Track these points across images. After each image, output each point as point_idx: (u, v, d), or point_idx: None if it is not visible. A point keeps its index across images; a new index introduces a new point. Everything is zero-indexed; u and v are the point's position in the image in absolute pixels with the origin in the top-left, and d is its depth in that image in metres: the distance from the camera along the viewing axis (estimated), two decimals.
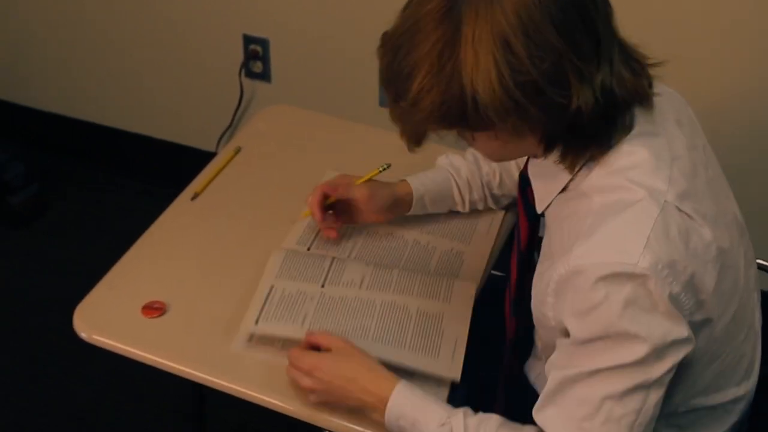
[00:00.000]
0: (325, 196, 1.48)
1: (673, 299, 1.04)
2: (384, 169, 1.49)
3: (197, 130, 2.69)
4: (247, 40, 2.47)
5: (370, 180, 1.49)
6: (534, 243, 1.29)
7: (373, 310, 1.36)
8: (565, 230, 1.14)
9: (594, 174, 1.11)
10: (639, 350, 1.03)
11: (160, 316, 1.38)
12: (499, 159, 1.22)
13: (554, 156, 1.11)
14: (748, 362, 1.24)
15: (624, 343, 1.04)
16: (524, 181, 1.24)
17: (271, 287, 1.39)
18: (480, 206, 1.56)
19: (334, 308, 1.36)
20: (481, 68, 0.99)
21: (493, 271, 1.52)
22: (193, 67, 2.60)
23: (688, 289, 1.05)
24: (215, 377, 1.31)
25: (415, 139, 1.10)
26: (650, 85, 1.13)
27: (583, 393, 1.07)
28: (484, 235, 1.54)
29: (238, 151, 1.73)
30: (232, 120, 2.59)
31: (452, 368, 1.29)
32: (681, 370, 1.11)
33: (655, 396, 1.07)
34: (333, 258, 1.46)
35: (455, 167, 1.52)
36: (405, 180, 1.51)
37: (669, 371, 1.06)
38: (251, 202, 1.61)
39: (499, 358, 1.40)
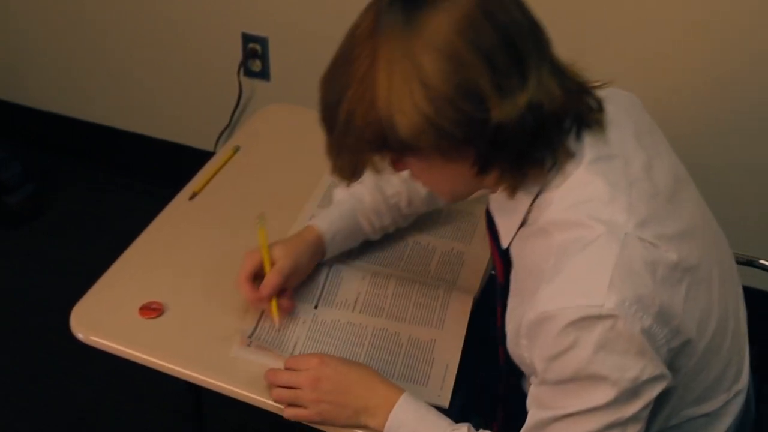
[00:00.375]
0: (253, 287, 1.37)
1: (646, 333, 1.03)
2: (262, 225, 1.42)
3: (195, 130, 2.70)
4: (246, 38, 2.47)
5: (281, 246, 1.39)
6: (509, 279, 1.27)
7: (364, 337, 1.36)
8: (528, 268, 1.14)
9: (552, 207, 1.09)
10: (610, 392, 1.03)
11: (157, 317, 1.38)
12: (445, 192, 1.19)
13: (492, 180, 1.10)
14: (735, 367, 1.24)
15: (596, 386, 1.04)
16: (489, 218, 1.23)
17: (262, 310, 1.39)
18: (391, 229, 1.52)
19: (325, 333, 1.37)
20: (394, 89, 1.01)
21: (493, 272, 1.52)
22: (191, 65, 2.60)
23: (659, 320, 1.04)
24: (213, 378, 1.31)
25: (350, 170, 1.11)
26: (600, 107, 1.12)
27: None
28: (485, 235, 1.54)
29: (236, 150, 1.73)
30: (231, 119, 2.59)
31: (441, 395, 1.29)
32: (667, 390, 1.11)
33: (633, 430, 1.07)
34: (330, 266, 1.46)
35: (358, 197, 1.47)
36: (311, 225, 1.44)
37: (645, 407, 1.06)
38: (250, 202, 1.61)
39: (497, 359, 1.41)
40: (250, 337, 1.34)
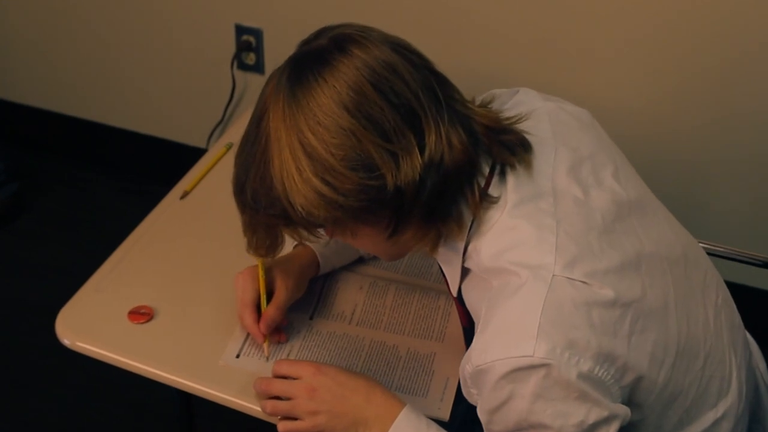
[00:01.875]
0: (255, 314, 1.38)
1: (586, 378, 1.03)
2: (262, 267, 1.40)
3: (187, 126, 2.69)
4: (240, 30, 2.47)
5: (278, 272, 1.38)
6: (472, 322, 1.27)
7: (361, 350, 1.36)
8: (474, 313, 1.16)
9: (482, 255, 1.10)
10: None
11: (147, 322, 1.38)
12: (378, 254, 1.22)
13: (409, 242, 1.12)
14: (719, 382, 1.21)
15: None
16: (440, 266, 1.23)
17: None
18: None
19: (320, 344, 1.37)
20: (285, 167, 1.05)
21: None
22: (182, 58, 2.60)
23: (600, 361, 1.04)
24: (204, 386, 1.31)
25: (265, 248, 1.17)
26: (523, 143, 1.12)
27: None
28: None
29: (229, 147, 1.73)
30: (224, 115, 2.59)
31: (441, 408, 1.29)
32: (636, 423, 1.11)
33: None
34: (327, 275, 1.46)
35: None
36: (308, 248, 1.44)
37: None
38: None
39: None
40: (238, 353, 1.34)
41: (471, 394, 1.12)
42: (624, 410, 1.07)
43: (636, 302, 1.09)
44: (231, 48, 2.50)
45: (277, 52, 2.45)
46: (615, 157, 1.22)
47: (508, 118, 1.14)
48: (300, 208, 1.06)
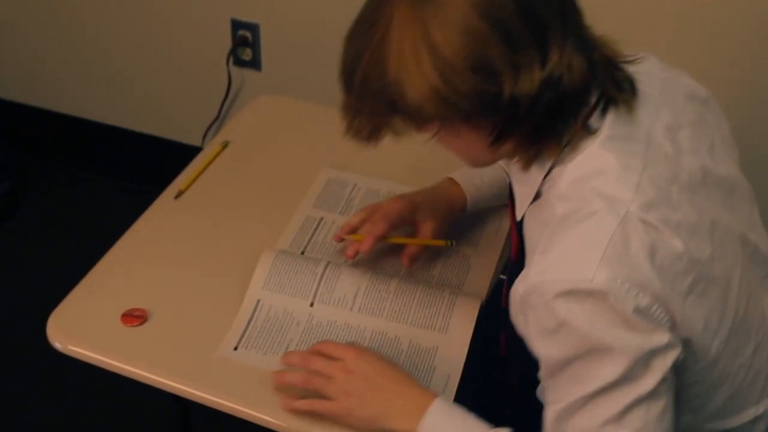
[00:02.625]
0: (387, 230, 1.46)
1: (641, 313, 1.04)
2: (451, 245, 1.47)
3: (181, 123, 2.69)
4: (236, 24, 2.47)
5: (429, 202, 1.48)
6: (524, 254, 1.29)
7: (362, 340, 1.36)
8: (530, 240, 1.17)
9: (560, 181, 1.12)
10: (619, 364, 1.04)
11: (141, 324, 1.38)
12: (466, 159, 1.23)
13: (507, 151, 1.13)
14: (764, 379, 1.23)
15: (601, 360, 1.05)
16: (511, 189, 1.26)
17: (258, 302, 1.40)
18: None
19: (320, 335, 1.37)
20: (404, 57, 1.05)
21: (503, 276, 1.52)
22: (176, 54, 2.59)
23: (657, 303, 1.05)
24: (200, 391, 1.31)
25: (366, 134, 1.16)
26: (631, 86, 1.14)
27: (581, 424, 1.09)
28: (493, 237, 1.54)
29: (225, 145, 1.73)
30: (219, 112, 2.59)
31: None
32: (685, 395, 1.12)
33: (657, 409, 1.07)
34: (328, 263, 1.45)
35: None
36: (459, 186, 1.51)
37: (662, 381, 1.06)
38: (240, 201, 1.61)
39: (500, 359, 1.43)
40: (236, 345, 1.34)
41: (518, 321, 1.13)
42: (678, 342, 1.08)
43: (702, 264, 1.11)
44: (227, 43, 2.50)
45: (275, 47, 2.45)
46: (715, 136, 1.24)
47: (625, 57, 1.16)
48: (411, 100, 1.06)
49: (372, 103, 1.11)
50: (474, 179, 1.52)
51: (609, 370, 1.05)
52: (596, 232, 1.05)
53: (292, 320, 1.39)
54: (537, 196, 1.17)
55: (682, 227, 1.10)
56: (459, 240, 1.53)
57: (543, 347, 1.10)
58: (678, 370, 1.10)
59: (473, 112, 1.06)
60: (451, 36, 1.03)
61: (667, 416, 1.08)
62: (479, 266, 1.50)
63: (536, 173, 1.15)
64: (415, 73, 1.05)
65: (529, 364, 1.16)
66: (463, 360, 1.34)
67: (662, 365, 1.06)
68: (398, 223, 1.46)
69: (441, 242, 1.47)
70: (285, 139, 1.76)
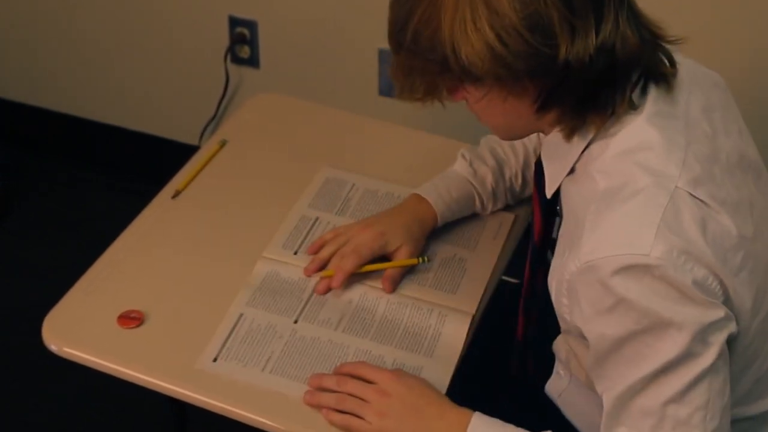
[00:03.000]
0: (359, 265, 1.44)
1: (699, 285, 1.04)
2: (424, 261, 1.46)
3: (178, 122, 2.69)
4: (234, 22, 2.46)
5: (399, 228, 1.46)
6: (549, 236, 1.30)
7: (345, 357, 1.35)
8: (571, 216, 1.17)
9: (601, 155, 1.13)
10: (679, 340, 1.04)
11: (137, 326, 1.37)
12: (501, 128, 1.23)
13: (550, 120, 1.13)
14: None
15: (661, 336, 1.04)
16: (539, 168, 1.26)
17: (240, 315, 1.39)
18: (499, 206, 1.56)
19: (303, 350, 1.35)
20: (460, 13, 1.04)
21: (504, 277, 1.51)
22: (173, 52, 2.59)
23: (713, 275, 1.06)
24: (197, 393, 1.30)
25: (420, 91, 1.15)
26: (672, 64, 1.15)
27: (642, 405, 1.08)
28: (491, 241, 1.53)
29: (223, 144, 1.72)
30: (217, 110, 2.58)
31: None
32: None
33: (717, 384, 1.07)
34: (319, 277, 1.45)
35: (480, 179, 1.51)
36: (427, 203, 1.49)
37: (720, 355, 1.06)
38: (237, 201, 1.60)
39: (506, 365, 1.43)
40: (216, 357, 1.34)
41: (561, 304, 1.13)
42: (731, 314, 1.08)
43: (749, 240, 1.12)
44: (224, 41, 2.49)
45: (273, 44, 2.45)
46: (740, 121, 1.25)
47: (669, 37, 1.17)
48: (464, 57, 1.05)
49: (422, 62, 1.10)
50: (442, 194, 1.49)
51: (669, 346, 1.04)
52: (647, 207, 1.06)
53: (274, 333, 1.37)
54: (571, 171, 1.17)
55: (726, 204, 1.11)
56: (455, 243, 1.52)
57: (599, 327, 1.09)
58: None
59: (526, 73, 1.06)
60: None
61: (726, 391, 1.09)
62: (475, 271, 1.48)
63: (576, 145, 1.15)
64: (471, 29, 1.04)
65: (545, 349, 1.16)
66: (449, 379, 1.33)
67: (719, 340, 1.06)
68: (369, 258, 1.43)
69: (414, 261, 1.45)
70: (283, 137, 1.75)
